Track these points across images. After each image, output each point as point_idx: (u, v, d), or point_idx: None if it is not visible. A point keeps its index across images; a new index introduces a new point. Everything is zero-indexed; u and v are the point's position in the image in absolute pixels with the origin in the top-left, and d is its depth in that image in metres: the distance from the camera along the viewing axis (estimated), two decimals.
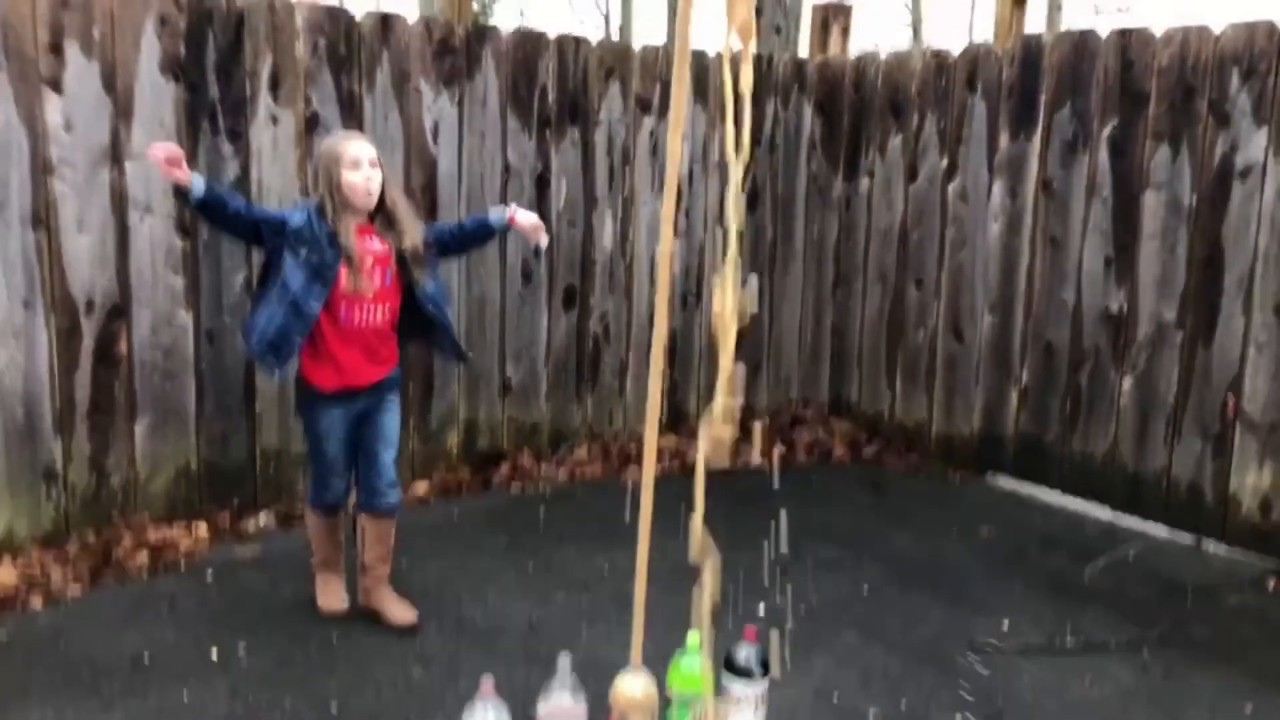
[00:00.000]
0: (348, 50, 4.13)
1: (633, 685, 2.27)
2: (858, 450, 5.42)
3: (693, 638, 2.50)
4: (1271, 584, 3.86)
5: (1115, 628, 3.47)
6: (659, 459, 4.86)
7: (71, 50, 3.54)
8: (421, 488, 4.50)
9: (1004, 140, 4.78)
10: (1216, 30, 4.05)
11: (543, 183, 4.74)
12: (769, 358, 5.70)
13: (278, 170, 4.02)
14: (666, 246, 1.79)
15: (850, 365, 5.67)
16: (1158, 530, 4.34)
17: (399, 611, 3.32)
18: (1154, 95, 4.23)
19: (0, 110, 3.42)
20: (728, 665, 2.61)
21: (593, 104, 4.83)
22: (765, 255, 5.55)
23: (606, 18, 23.73)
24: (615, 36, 22.51)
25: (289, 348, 3.08)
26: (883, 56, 5.41)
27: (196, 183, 2.92)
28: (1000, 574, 3.92)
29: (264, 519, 4.10)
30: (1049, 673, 3.16)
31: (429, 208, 4.40)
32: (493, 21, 18.34)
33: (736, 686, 2.60)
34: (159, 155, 2.87)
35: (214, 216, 3.08)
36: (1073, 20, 22.61)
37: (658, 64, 4.98)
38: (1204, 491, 4.21)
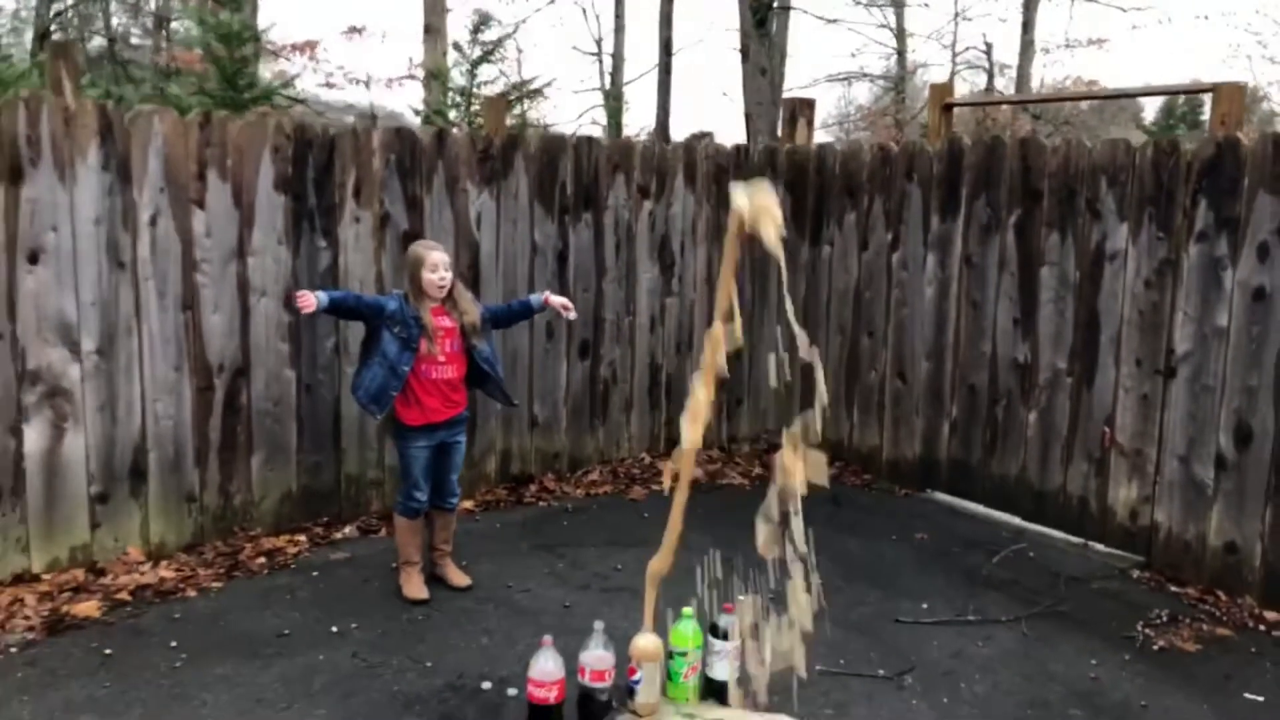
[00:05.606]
0: (412, 162, 5.25)
1: (647, 641, 3.39)
2: None
3: (686, 611, 3.59)
4: (1135, 574, 4.98)
5: (1007, 606, 4.58)
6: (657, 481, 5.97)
7: (212, 176, 4.66)
8: (468, 504, 5.60)
9: (935, 222, 5.92)
10: (1089, 144, 5.20)
11: (563, 258, 5.87)
12: (749, 393, 6.82)
13: (359, 258, 5.14)
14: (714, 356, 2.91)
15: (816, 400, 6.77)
16: (1056, 534, 5.45)
17: (458, 577, 4.58)
18: (1046, 192, 5.37)
19: (163, 224, 4.54)
20: (712, 630, 3.69)
21: (603, 192, 5.96)
22: (745, 309, 6.66)
23: (599, 42, 24.91)
24: (608, 62, 23.83)
25: (386, 399, 4.24)
26: (839, 147, 6.56)
27: (321, 300, 4.14)
28: (927, 568, 5.03)
29: (348, 530, 5.20)
30: (952, 639, 4.26)
31: (474, 280, 5.52)
32: (492, 67, 19.49)
33: (718, 644, 3.69)
34: (298, 303, 4.14)
35: (337, 314, 4.35)
36: (1045, 51, 23.72)
37: (654, 157, 6.12)
38: (1090, 503, 5.33)
